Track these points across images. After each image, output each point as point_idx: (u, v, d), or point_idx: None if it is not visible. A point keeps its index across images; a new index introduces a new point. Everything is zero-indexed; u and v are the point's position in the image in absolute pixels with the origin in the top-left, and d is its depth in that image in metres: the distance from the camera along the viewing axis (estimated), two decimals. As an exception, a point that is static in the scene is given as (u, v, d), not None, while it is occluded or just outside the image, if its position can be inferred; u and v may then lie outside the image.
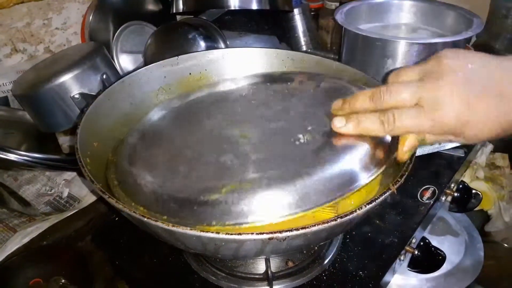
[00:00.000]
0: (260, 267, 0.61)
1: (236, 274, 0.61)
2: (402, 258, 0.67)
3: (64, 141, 0.97)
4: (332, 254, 0.64)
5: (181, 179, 0.50)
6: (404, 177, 0.47)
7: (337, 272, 0.62)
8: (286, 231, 0.40)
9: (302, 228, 0.41)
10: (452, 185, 0.82)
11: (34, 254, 0.78)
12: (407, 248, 0.67)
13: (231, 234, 0.40)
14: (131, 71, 0.72)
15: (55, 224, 0.81)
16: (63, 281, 0.72)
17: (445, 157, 0.83)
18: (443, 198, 0.80)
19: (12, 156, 0.78)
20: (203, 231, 0.41)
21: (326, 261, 0.63)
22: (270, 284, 0.58)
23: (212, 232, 0.41)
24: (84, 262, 0.77)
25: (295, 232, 0.40)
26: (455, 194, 0.82)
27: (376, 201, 0.44)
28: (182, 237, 0.43)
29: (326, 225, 0.41)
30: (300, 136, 0.53)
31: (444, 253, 0.69)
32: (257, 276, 0.60)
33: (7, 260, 0.76)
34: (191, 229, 0.41)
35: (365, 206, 0.43)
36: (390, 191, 0.45)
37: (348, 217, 0.42)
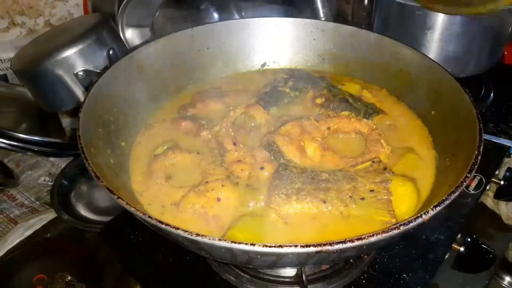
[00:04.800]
0: (290, 269, 0.54)
1: (263, 277, 0.54)
2: (447, 256, 0.59)
3: (67, 123, 0.89)
4: (371, 253, 0.56)
5: None
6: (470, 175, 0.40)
7: (378, 274, 0.55)
8: (338, 243, 0.33)
9: (358, 239, 0.33)
10: (497, 172, 0.73)
11: (37, 248, 0.71)
12: (454, 245, 0.60)
13: (270, 247, 0.33)
14: (139, 45, 0.64)
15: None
16: (69, 277, 0.66)
17: (491, 145, 0.75)
18: (489, 187, 0.71)
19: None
20: (234, 242, 0.33)
21: (364, 262, 0.55)
22: (304, 290, 0.50)
23: (246, 244, 0.33)
24: (91, 256, 0.71)
25: (349, 245, 0.33)
26: (502, 182, 0.73)
27: (445, 202, 0.36)
28: (208, 247, 0.36)
29: (386, 234, 0.34)
30: None
31: (495, 252, 0.61)
32: (287, 280, 0.53)
33: (8, 254, 0.70)
34: (219, 240, 0.34)
35: (433, 210, 0.36)
36: (459, 190, 0.37)
37: (413, 223, 0.35)
